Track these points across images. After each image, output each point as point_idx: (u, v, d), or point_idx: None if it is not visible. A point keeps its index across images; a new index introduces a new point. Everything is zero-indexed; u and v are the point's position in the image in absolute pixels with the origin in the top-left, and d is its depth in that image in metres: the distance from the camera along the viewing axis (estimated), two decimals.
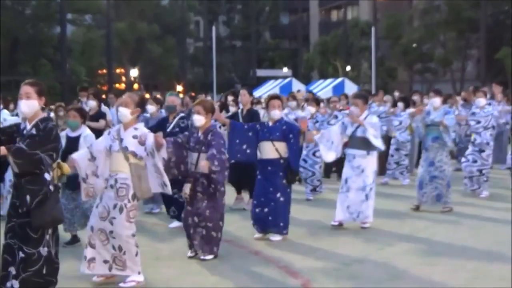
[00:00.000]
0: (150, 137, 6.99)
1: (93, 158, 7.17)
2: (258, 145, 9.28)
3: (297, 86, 35.06)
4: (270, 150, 9.19)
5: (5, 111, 12.48)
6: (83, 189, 7.25)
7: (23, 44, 49.98)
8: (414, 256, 8.37)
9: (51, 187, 5.92)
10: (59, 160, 6.16)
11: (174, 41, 57.23)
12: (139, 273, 7.10)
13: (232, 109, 13.07)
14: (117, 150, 7.06)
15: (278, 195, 9.17)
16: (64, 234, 8.73)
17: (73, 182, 8.22)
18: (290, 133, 9.10)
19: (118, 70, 55.76)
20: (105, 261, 7.06)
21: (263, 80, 44.75)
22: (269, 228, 9.29)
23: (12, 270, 5.91)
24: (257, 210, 9.28)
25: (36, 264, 5.91)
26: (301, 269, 7.75)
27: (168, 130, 10.08)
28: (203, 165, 7.84)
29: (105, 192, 7.10)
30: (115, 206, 6.96)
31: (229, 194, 11.57)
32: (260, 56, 61.20)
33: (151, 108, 11.55)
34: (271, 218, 9.19)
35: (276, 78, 42.52)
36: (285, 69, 54.75)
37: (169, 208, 10.38)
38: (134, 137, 7.05)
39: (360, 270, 7.78)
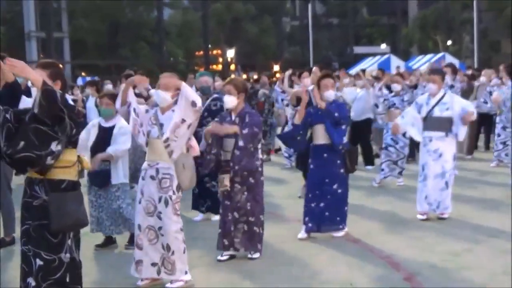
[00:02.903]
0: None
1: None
2: (311, 130, 8.37)
3: (396, 62, 34.18)
4: (325, 134, 8.22)
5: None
6: (132, 120, 6.50)
7: (122, 28, 50.89)
8: None
9: (49, 160, 4.91)
10: (79, 154, 5.41)
11: (270, 21, 56.99)
12: (186, 272, 6.50)
13: (296, 87, 12.05)
14: (157, 137, 6.40)
15: (335, 186, 8.22)
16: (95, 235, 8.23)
17: (99, 178, 7.80)
18: (341, 119, 8.15)
19: (215, 51, 56.01)
20: (153, 264, 6.43)
21: (361, 57, 43.88)
22: (324, 224, 8.28)
23: (31, 280, 5.09)
24: (312, 205, 8.29)
25: (58, 271, 5.12)
26: (404, 260, 7.16)
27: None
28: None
29: (144, 184, 6.44)
30: (160, 199, 6.34)
31: (297, 182, 11.20)
32: (357, 33, 60.28)
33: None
34: (327, 214, 8.22)
35: (374, 55, 41.58)
36: (383, 46, 53.68)
37: (205, 199, 9.56)
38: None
39: (471, 260, 7.10)
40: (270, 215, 9.50)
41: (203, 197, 9.58)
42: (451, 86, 13.44)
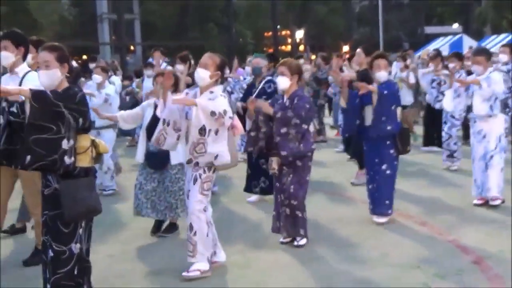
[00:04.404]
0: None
1: (179, 110, 6.32)
2: (363, 111, 8.13)
3: (468, 42, 33.40)
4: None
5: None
6: (157, 131, 6.30)
7: (191, 9, 51.12)
8: None
9: (67, 160, 4.84)
10: (94, 138, 5.20)
11: (340, 1, 56.43)
12: (208, 259, 6.30)
13: (346, 70, 11.85)
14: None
15: (384, 167, 8.00)
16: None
17: (158, 160, 7.62)
18: (390, 97, 7.91)
19: (284, 32, 55.82)
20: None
21: (432, 38, 43.07)
22: (375, 207, 8.11)
23: (47, 272, 5.07)
24: (370, 186, 8.20)
25: (68, 264, 5.00)
26: (473, 244, 7.00)
27: (254, 96, 9.07)
28: None
29: (187, 168, 6.34)
30: (191, 177, 6.23)
31: (353, 168, 11.14)
32: (428, 13, 59.05)
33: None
34: (377, 195, 8.05)
35: (445, 35, 40.72)
36: (455, 25, 52.49)
37: (258, 180, 9.39)
38: (209, 100, 6.15)
39: None
40: (334, 197, 9.49)
41: (257, 178, 9.44)
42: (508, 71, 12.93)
